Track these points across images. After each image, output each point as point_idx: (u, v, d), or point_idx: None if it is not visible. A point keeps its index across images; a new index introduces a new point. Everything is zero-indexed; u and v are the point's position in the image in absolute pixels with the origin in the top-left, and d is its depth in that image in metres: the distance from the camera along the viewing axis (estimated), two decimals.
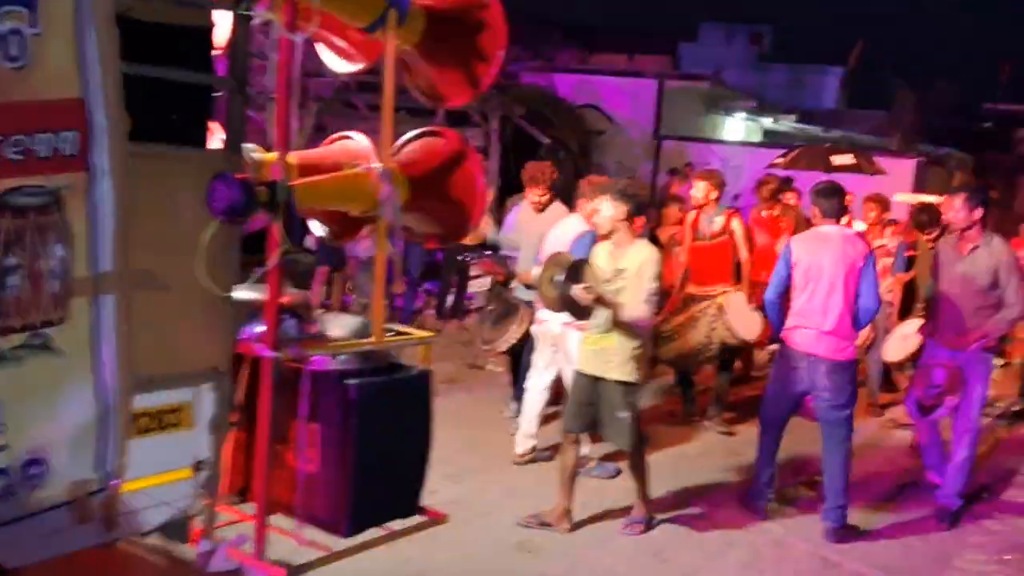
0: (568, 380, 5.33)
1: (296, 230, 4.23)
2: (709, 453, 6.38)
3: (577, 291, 4.43)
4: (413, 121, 13.47)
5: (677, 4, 36.96)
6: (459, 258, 9.12)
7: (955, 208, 5.32)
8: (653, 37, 28.43)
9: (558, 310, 4.69)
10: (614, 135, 17.24)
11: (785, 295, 5.17)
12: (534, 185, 6.13)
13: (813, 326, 4.95)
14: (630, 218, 4.64)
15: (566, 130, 15.46)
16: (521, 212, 6.38)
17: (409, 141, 3.30)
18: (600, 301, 4.48)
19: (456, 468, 5.53)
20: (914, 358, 6.10)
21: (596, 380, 4.69)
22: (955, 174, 21.82)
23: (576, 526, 4.83)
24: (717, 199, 6.73)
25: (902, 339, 6.34)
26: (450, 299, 9.66)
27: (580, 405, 4.77)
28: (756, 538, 5.00)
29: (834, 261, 4.94)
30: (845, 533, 5.03)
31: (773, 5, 36.63)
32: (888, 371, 7.52)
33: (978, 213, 5.23)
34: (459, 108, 12.56)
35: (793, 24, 35.92)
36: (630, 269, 4.55)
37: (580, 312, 4.60)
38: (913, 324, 6.14)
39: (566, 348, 5.43)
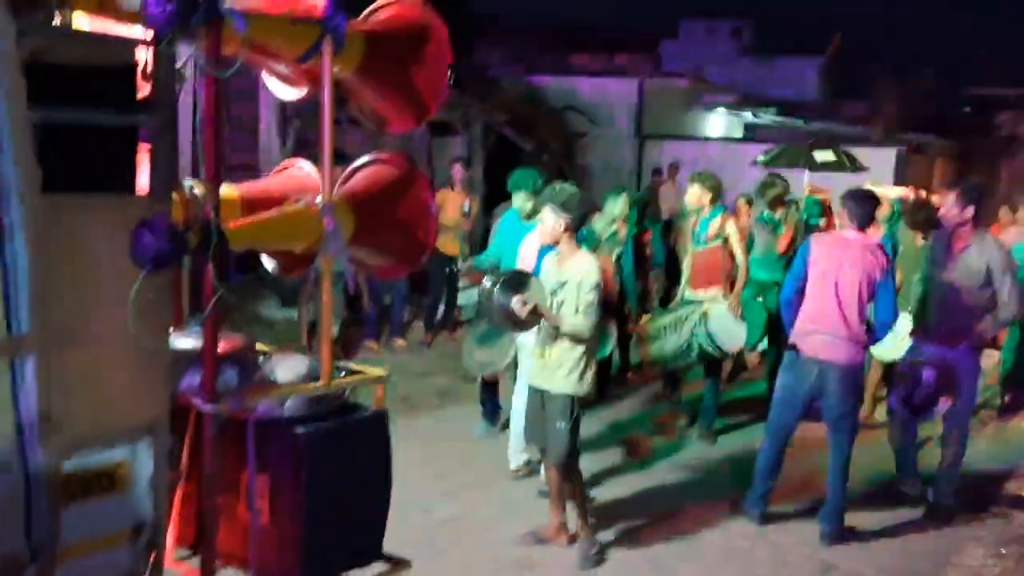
0: None
1: (230, 271, 4.07)
2: (704, 459, 6.38)
3: (515, 304, 4.43)
4: (393, 133, 13.47)
5: (657, 2, 37.04)
6: (447, 269, 9.10)
7: (947, 205, 5.31)
8: (634, 35, 28.49)
9: (499, 324, 4.70)
10: (597, 136, 17.25)
11: (802, 293, 5.09)
12: (519, 192, 6.08)
13: (827, 331, 4.90)
14: (574, 228, 4.55)
15: (548, 133, 15.47)
16: (508, 220, 6.36)
17: (357, 169, 3.15)
18: (537, 313, 4.47)
19: (452, 484, 5.54)
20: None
21: (543, 393, 4.65)
22: (937, 162, 21.95)
23: (574, 539, 4.81)
24: (712, 201, 6.66)
25: (893, 338, 6.32)
26: (440, 310, 9.64)
27: (532, 420, 4.76)
28: (755, 544, 5.01)
29: (852, 267, 4.89)
30: (843, 535, 5.05)
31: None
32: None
33: (970, 211, 5.21)
34: (441, 117, 12.58)
35: (773, 17, 36.03)
36: (571, 280, 4.48)
37: (521, 325, 4.60)
38: (905, 323, 6.08)
39: None
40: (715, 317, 6.34)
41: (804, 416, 5.17)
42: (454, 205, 9.02)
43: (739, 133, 21.46)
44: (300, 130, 10.19)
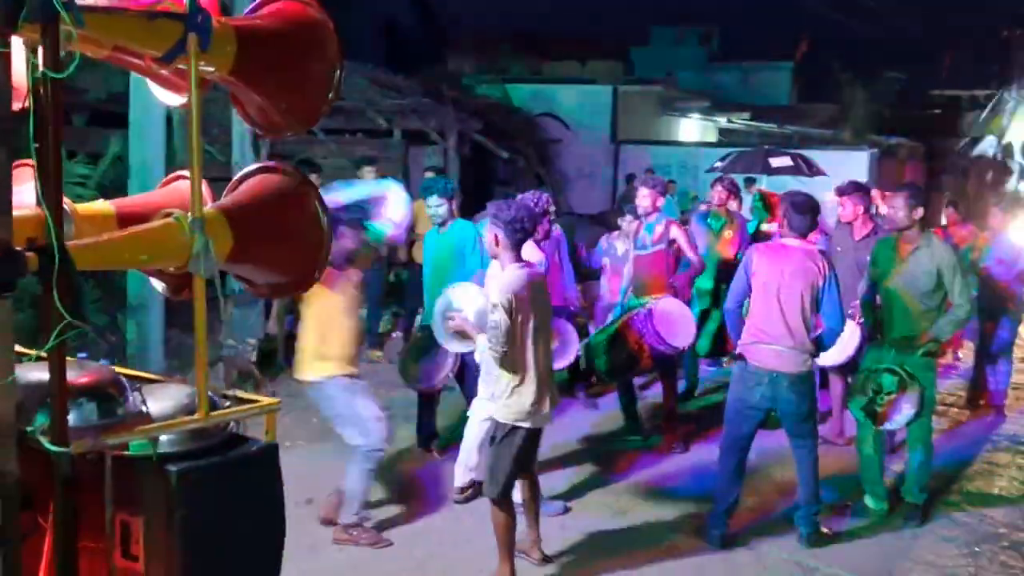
0: None
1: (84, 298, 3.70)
2: (674, 470, 6.27)
3: (438, 318, 4.40)
4: (370, 143, 13.44)
5: (627, 9, 37.25)
6: None
7: (895, 207, 5.29)
8: (605, 42, 28.65)
9: (445, 342, 4.66)
10: (572, 142, 17.33)
11: (743, 305, 5.08)
12: (431, 196, 5.93)
13: (773, 341, 4.86)
14: (512, 240, 4.29)
15: (524, 140, 15.52)
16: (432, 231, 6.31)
17: (244, 179, 2.84)
18: (461, 332, 4.42)
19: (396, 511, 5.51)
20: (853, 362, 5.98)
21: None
22: (908, 163, 22.21)
23: (553, 557, 4.78)
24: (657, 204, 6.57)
25: (839, 344, 6.24)
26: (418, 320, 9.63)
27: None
28: (735, 550, 5.03)
29: (793, 277, 4.85)
30: (819, 538, 5.10)
31: (720, 5, 37.05)
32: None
33: (919, 213, 5.23)
34: (416, 126, 12.60)
35: (740, 23, 36.32)
36: (493, 296, 4.31)
37: (465, 340, 4.55)
38: (849, 328, 5.82)
39: None
40: (660, 312, 6.05)
41: (760, 427, 5.07)
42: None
43: (713, 137, 21.64)
44: (274, 142, 10.15)
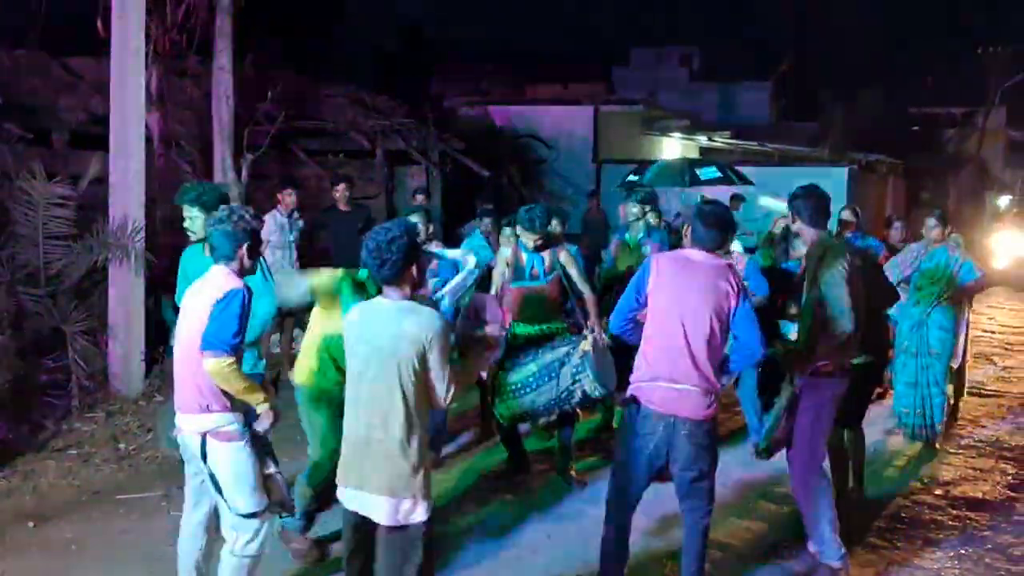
0: None
1: None
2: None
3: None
4: (352, 164, 13.48)
5: (608, 30, 37.66)
6: None
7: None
8: (586, 64, 28.92)
9: None
10: (555, 162, 17.41)
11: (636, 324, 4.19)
12: (192, 207, 5.02)
13: (673, 379, 3.97)
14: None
15: (506, 160, 15.59)
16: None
17: None
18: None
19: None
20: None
21: None
22: (888, 180, 22.43)
23: None
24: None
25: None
26: None
27: None
28: None
29: (700, 297, 3.99)
30: None
31: (700, 26, 37.55)
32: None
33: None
34: (399, 147, 12.63)
35: (722, 44, 36.72)
36: None
37: None
38: None
39: None
40: (591, 354, 5.39)
41: (652, 481, 4.19)
42: None
43: (695, 156, 21.78)
44: (254, 163, 10.16)
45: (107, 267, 7.47)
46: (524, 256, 5.90)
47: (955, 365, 7.24)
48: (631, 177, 11.88)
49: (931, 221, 6.98)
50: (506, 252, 6.02)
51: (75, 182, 7.75)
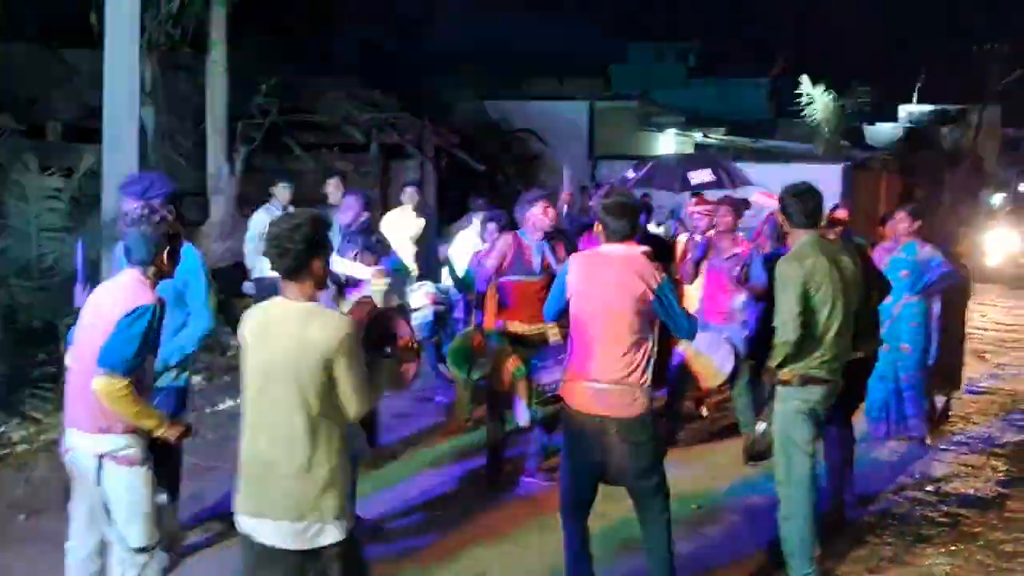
0: None
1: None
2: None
3: None
4: (346, 158, 13.49)
5: (606, 27, 37.68)
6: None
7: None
8: (584, 60, 28.92)
9: None
10: (550, 158, 17.41)
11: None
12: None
13: (594, 377, 3.87)
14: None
15: (502, 156, 15.59)
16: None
17: None
18: None
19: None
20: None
21: None
22: (883, 177, 22.47)
23: None
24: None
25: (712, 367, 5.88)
26: None
27: None
28: None
29: (615, 291, 3.89)
30: None
31: (698, 22, 37.59)
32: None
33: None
34: (394, 141, 12.62)
35: (718, 40, 36.80)
36: None
37: None
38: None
39: None
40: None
41: (600, 482, 4.06)
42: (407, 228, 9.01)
43: (690, 152, 21.80)
44: (248, 156, 10.15)
45: (100, 260, 7.46)
46: (530, 247, 5.49)
47: (930, 360, 7.07)
48: (630, 172, 11.78)
49: (900, 214, 6.99)
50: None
51: (69, 175, 7.74)
